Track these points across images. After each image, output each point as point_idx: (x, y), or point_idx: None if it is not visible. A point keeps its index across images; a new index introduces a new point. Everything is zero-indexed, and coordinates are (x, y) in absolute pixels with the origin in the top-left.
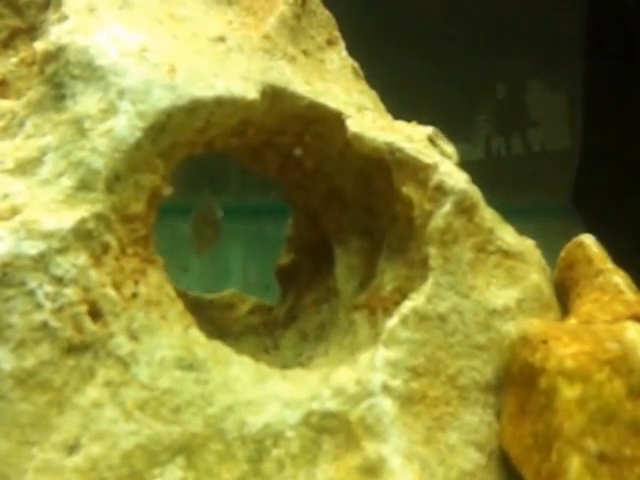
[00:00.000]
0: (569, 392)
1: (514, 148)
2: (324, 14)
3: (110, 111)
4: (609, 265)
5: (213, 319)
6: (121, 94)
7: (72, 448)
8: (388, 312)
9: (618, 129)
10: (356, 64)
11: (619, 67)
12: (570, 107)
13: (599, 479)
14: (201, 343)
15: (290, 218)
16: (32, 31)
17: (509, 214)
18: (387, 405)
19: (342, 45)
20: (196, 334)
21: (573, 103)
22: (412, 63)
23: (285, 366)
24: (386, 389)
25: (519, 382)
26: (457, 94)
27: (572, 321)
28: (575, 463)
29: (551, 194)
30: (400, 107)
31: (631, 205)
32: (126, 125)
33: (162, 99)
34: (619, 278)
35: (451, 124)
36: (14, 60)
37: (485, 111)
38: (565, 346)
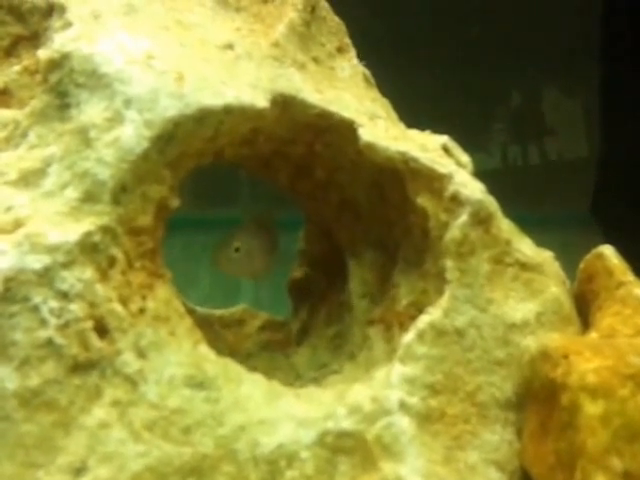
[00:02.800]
0: (592, 408)
1: (531, 157)
2: (334, 21)
3: (116, 120)
4: (630, 277)
5: (223, 336)
6: (127, 103)
7: (79, 471)
8: (404, 327)
9: (637, 138)
10: (367, 72)
11: (636, 74)
12: (587, 115)
13: None
14: (211, 360)
15: (302, 231)
16: (35, 39)
17: (526, 225)
18: (405, 423)
19: (353, 52)
20: (206, 351)
21: (590, 111)
22: (425, 71)
23: (299, 383)
24: (403, 407)
25: (540, 398)
26: (472, 102)
27: (593, 335)
28: None
29: (569, 204)
30: (413, 116)
31: None
32: (133, 135)
33: (170, 108)
34: None
35: (466, 132)
36: (17, 68)
37: (500, 119)
38: (587, 361)
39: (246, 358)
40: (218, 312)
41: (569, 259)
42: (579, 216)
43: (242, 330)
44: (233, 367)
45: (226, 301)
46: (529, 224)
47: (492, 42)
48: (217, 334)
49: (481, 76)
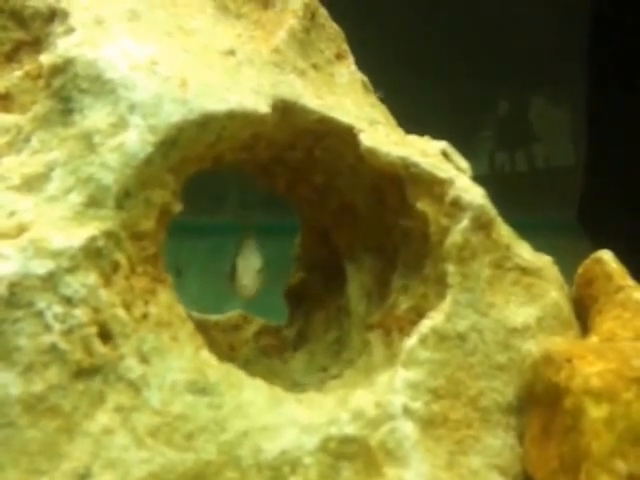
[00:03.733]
0: (596, 412)
1: (518, 164)
2: (333, 28)
3: (120, 125)
4: (629, 281)
5: (219, 341)
6: (132, 108)
7: (83, 477)
8: (404, 332)
9: (622, 145)
10: (365, 78)
11: (621, 83)
12: (573, 122)
13: None
14: (213, 366)
15: (298, 237)
16: (36, 44)
17: (514, 230)
18: (408, 429)
19: (351, 59)
20: (207, 356)
21: (576, 118)
22: (413, 79)
23: (297, 389)
24: (407, 412)
25: (543, 403)
26: (460, 110)
27: (593, 339)
28: None
29: (556, 210)
30: (402, 123)
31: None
32: (137, 140)
33: (173, 113)
34: None
35: (454, 139)
36: (18, 73)
37: (488, 127)
38: (590, 365)
39: (244, 364)
40: (214, 317)
41: (556, 264)
42: (566, 222)
43: (238, 335)
44: (235, 373)
45: (214, 308)
46: (516, 229)
47: (480, 51)
48: (213, 339)
49: (469, 84)
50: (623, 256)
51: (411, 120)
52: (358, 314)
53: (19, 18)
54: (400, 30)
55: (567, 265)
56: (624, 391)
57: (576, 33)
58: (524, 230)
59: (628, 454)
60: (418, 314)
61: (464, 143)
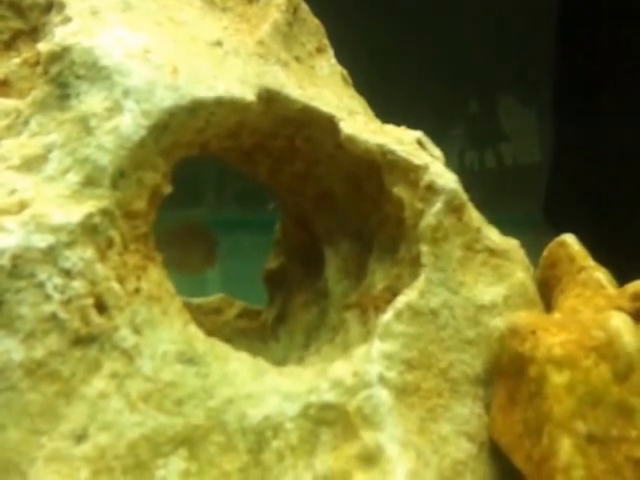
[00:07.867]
0: (558, 378)
1: (487, 162)
2: (314, 22)
3: (115, 110)
4: (591, 262)
5: (202, 323)
6: (126, 93)
7: (80, 437)
8: (379, 310)
9: (586, 143)
10: (345, 71)
11: (587, 79)
12: (540, 121)
13: (588, 459)
14: (200, 339)
15: (278, 223)
16: (34, 33)
17: None
18: (384, 395)
19: (331, 52)
20: (195, 330)
21: (543, 117)
22: (385, 79)
23: (277, 365)
24: (382, 380)
25: (508, 372)
26: (429, 109)
27: (557, 315)
28: (565, 444)
29: (523, 207)
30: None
31: (601, 218)
32: (131, 123)
33: (165, 99)
34: (600, 274)
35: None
36: (16, 61)
37: (458, 125)
38: (553, 335)
39: (226, 343)
40: (196, 300)
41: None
42: (532, 218)
43: (220, 318)
44: (220, 346)
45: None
46: None
47: (449, 51)
48: (196, 321)
49: (439, 84)
50: (587, 251)
51: (381, 119)
52: (336, 295)
53: (17, 8)
54: (369, 30)
55: (533, 258)
56: (584, 359)
57: (544, 37)
58: (493, 226)
59: (587, 416)
60: (393, 293)
61: (434, 141)
